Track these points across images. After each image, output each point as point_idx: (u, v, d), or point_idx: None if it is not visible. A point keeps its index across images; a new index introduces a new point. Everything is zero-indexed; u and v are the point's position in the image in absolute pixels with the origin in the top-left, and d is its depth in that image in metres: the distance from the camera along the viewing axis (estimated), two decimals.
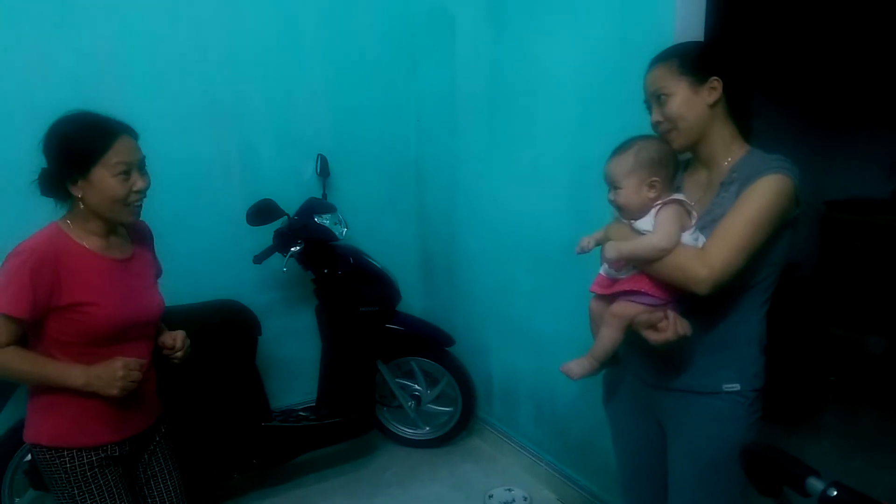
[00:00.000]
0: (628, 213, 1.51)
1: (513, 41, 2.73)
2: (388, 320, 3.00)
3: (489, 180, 3.00)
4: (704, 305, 1.43)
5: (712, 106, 1.50)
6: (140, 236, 1.82)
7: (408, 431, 3.28)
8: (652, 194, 1.48)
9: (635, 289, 1.47)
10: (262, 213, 2.72)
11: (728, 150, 1.52)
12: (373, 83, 3.33)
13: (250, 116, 3.02)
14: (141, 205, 1.66)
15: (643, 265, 1.45)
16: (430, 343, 3.10)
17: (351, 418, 2.94)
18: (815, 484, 1.18)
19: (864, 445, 3.27)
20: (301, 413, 2.95)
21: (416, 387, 3.20)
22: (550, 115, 2.59)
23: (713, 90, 1.49)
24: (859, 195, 4.27)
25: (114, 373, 1.56)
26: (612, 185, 1.51)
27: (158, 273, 1.90)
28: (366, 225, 3.25)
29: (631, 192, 1.48)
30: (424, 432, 3.27)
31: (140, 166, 1.64)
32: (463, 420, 3.19)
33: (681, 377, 1.56)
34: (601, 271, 1.58)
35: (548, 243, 2.68)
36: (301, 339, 3.19)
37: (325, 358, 3.03)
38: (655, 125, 1.55)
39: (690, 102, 1.49)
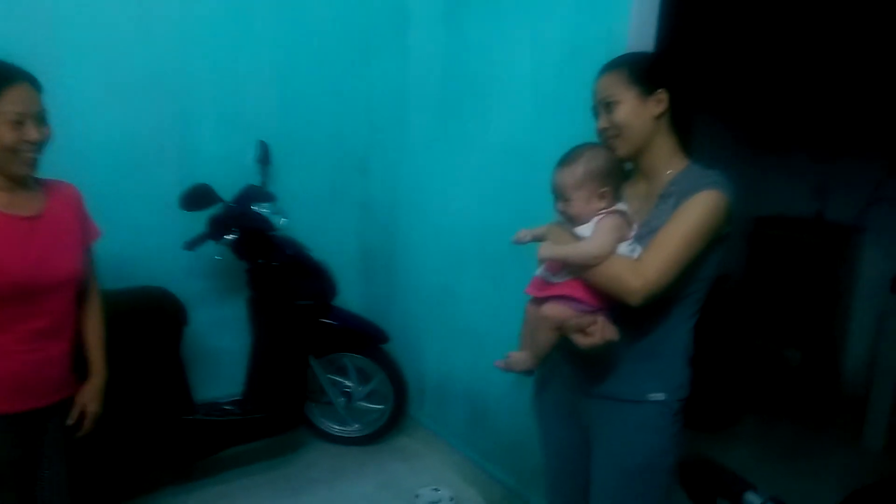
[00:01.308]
0: (576, 222, 1.51)
1: (467, 40, 2.71)
2: (323, 315, 2.94)
3: (437, 178, 2.97)
4: (634, 315, 1.44)
5: (657, 117, 1.52)
6: (61, 197, 1.74)
7: (336, 428, 3.23)
8: (601, 204, 1.48)
9: (568, 294, 1.48)
10: (197, 197, 2.62)
11: (668, 162, 1.55)
12: (323, 71, 3.26)
13: (192, 94, 2.91)
14: (35, 157, 1.59)
15: (577, 271, 1.45)
16: (365, 339, 3.06)
17: (279, 414, 2.86)
18: (753, 499, 1.20)
19: (780, 454, 3.41)
20: (226, 407, 2.85)
21: (348, 383, 3.15)
22: (502, 117, 2.58)
23: (660, 102, 1.51)
24: (786, 213, 4.45)
25: None
26: (561, 196, 1.50)
27: (92, 236, 1.84)
28: (306, 216, 3.17)
29: (581, 202, 1.48)
30: (353, 430, 3.23)
31: (37, 118, 1.57)
32: (393, 418, 3.16)
33: (607, 384, 1.57)
34: (537, 274, 1.58)
35: (492, 244, 2.67)
36: (230, 331, 3.08)
37: (255, 351, 2.94)
38: (602, 131, 1.56)
39: (637, 112, 1.51)
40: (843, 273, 4.11)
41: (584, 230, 1.48)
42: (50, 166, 2.52)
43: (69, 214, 1.75)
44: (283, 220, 2.84)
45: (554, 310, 1.49)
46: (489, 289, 2.72)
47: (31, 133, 1.54)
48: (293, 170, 3.23)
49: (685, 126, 1.58)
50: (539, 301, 1.57)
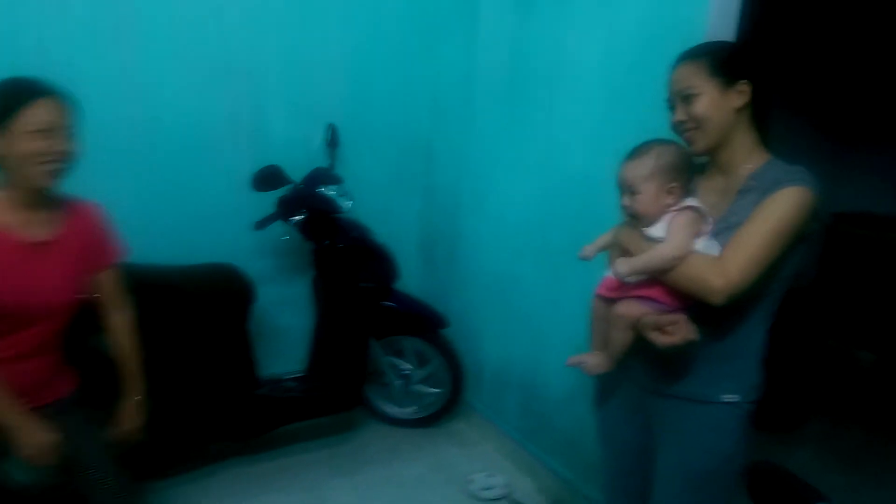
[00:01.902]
0: (643, 220, 1.48)
1: (537, 27, 2.67)
2: (385, 297, 2.98)
3: (501, 166, 2.95)
4: (712, 314, 1.40)
5: (738, 110, 1.47)
6: (81, 220, 1.75)
7: (393, 410, 3.27)
8: (669, 200, 1.45)
9: (647, 295, 1.45)
10: (267, 178, 2.69)
11: (748, 156, 1.49)
12: (391, 57, 3.28)
13: (264, 80, 2.98)
14: (58, 169, 1.60)
15: (657, 274, 1.42)
16: (425, 323, 3.09)
17: (338, 393, 2.92)
18: None
19: (848, 459, 3.28)
20: (289, 383, 2.93)
21: (407, 366, 3.18)
22: (570, 107, 2.53)
23: (741, 94, 1.46)
24: (866, 209, 4.24)
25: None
26: (628, 190, 1.48)
27: (107, 261, 1.83)
28: (370, 200, 3.19)
29: (649, 198, 1.45)
30: (410, 412, 3.27)
31: (64, 131, 1.59)
32: (450, 403, 3.19)
33: (681, 384, 1.54)
34: (609, 273, 1.55)
35: (554, 236, 2.65)
36: (295, 309, 3.17)
37: (318, 330, 3.01)
38: (678, 124, 1.51)
39: (718, 104, 1.46)
40: None
41: (656, 230, 1.45)
42: (132, 146, 2.65)
43: (84, 239, 1.75)
44: (349, 203, 2.89)
45: (631, 308, 1.47)
46: (549, 279, 2.70)
47: (59, 144, 1.56)
48: (359, 154, 3.26)
49: (765, 119, 1.53)
50: (609, 300, 1.55)
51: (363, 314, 2.93)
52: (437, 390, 3.21)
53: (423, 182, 3.54)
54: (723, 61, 1.46)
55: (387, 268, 2.99)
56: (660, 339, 1.38)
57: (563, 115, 2.58)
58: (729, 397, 1.51)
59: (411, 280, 3.27)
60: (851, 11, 3.78)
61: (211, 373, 2.63)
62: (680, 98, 1.49)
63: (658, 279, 1.42)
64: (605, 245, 1.61)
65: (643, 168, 1.45)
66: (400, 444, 3.13)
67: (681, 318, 1.38)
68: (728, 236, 1.40)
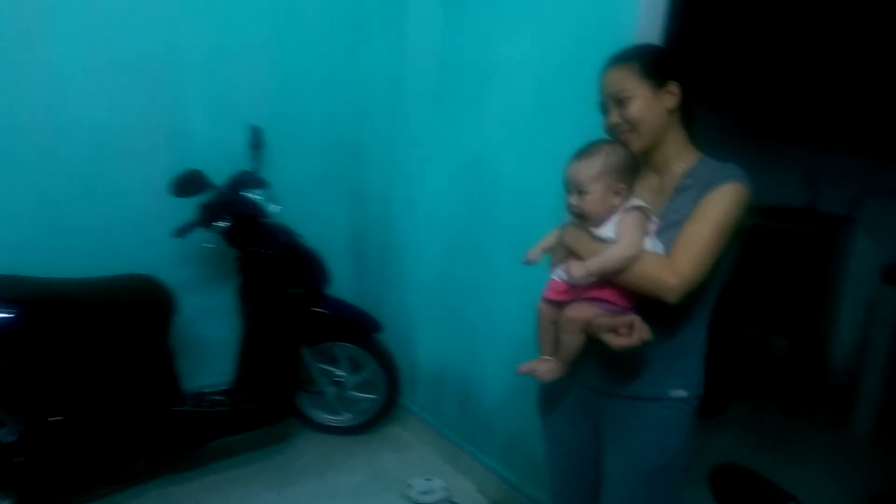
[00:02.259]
0: (590, 220, 1.47)
1: (467, 25, 2.65)
2: (315, 303, 2.89)
3: (433, 167, 2.91)
4: (660, 313, 1.41)
5: (670, 111, 1.50)
6: None
7: (327, 418, 3.19)
8: (616, 201, 1.45)
9: (599, 297, 1.44)
10: (188, 183, 2.55)
11: (680, 155, 1.52)
12: (317, 54, 3.20)
13: (182, 77, 2.83)
14: None
15: (610, 275, 1.41)
16: (358, 329, 3.02)
17: (269, 404, 2.82)
18: None
19: (768, 440, 3.46)
20: (215, 397, 2.79)
21: (339, 372, 3.10)
22: (502, 107, 2.52)
23: (672, 95, 1.49)
24: (778, 203, 4.45)
25: None
26: (577, 190, 1.46)
27: None
28: (297, 203, 3.09)
29: (597, 198, 1.44)
30: (344, 419, 3.19)
31: None
32: (385, 408, 3.13)
33: (632, 384, 1.54)
34: (555, 276, 1.53)
35: (488, 237, 2.63)
36: (219, 319, 3.04)
37: (245, 340, 2.89)
38: (613, 127, 1.52)
39: (651, 106, 1.47)
40: (833, 263, 4.13)
41: (606, 231, 1.44)
42: (34, 150, 2.46)
43: None
44: (275, 208, 2.78)
45: (582, 311, 1.45)
46: (484, 280, 2.68)
47: None
48: (285, 155, 3.16)
49: (692, 118, 1.56)
50: (557, 304, 1.53)
51: (293, 322, 2.84)
52: (371, 396, 3.14)
53: (351, 184, 3.46)
54: (653, 63, 1.48)
55: (317, 273, 2.91)
56: (615, 341, 1.37)
57: (495, 115, 2.56)
58: (677, 393, 1.53)
59: (343, 285, 3.20)
60: (765, 11, 3.95)
61: (130, 390, 2.48)
62: (613, 101, 1.50)
63: (609, 280, 1.42)
64: (549, 247, 1.60)
65: (592, 168, 1.44)
66: (335, 452, 3.05)
67: (635, 318, 1.37)
68: (670, 234, 1.42)
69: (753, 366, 4.15)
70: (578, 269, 1.40)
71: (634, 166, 1.49)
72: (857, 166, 4.05)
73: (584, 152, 1.47)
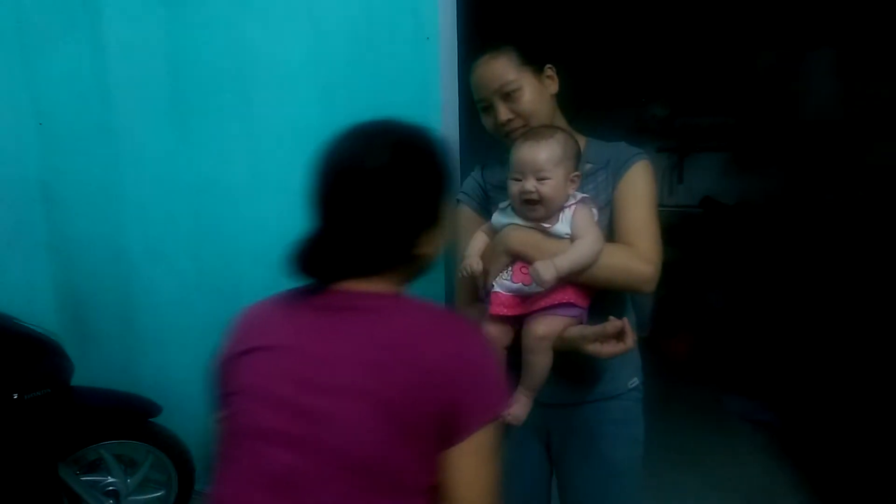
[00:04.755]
0: (543, 210, 1.31)
1: (204, 20, 2.21)
2: (65, 403, 2.15)
3: (180, 198, 2.39)
4: (609, 306, 1.34)
5: (553, 95, 1.45)
6: None
7: None
8: (570, 190, 1.33)
9: (564, 301, 1.30)
10: None
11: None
12: None
13: None
14: None
15: (576, 274, 1.28)
16: (129, 418, 2.34)
17: None
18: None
19: None
20: None
21: (110, 479, 2.37)
22: (275, 111, 2.18)
23: (550, 79, 1.45)
24: None
25: None
26: (534, 174, 1.29)
27: None
28: None
29: (559, 183, 1.30)
30: None
31: None
32: (181, 501, 2.50)
33: (596, 387, 1.48)
34: (499, 289, 1.35)
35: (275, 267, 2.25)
36: None
37: None
38: (504, 124, 1.41)
39: (540, 93, 1.41)
40: None
41: (561, 227, 1.30)
42: None
43: None
44: None
45: (552, 324, 1.31)
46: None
47: None
48: None
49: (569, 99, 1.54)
50: (507, 320, 1.35)
51: (40, 435, 2.06)
52: (158, 493, 2.47)
53: (44, 236, 2.63)
54: (528, 50, 1.41)
55: (57, 363, 2.16)
56: (605, 350, 1.25)
57: (262, 120, 2.21)
58: (632, 383, 1.52)
59: (81, 369, 2.43)
60: None
61: None
62: (499, 96, 1.40)
63: (569, 281, 1.29)
64: (486, 253, 1.39)
65: (552, 151, 1.29)
66: None
67: (626, 322, 1.25)
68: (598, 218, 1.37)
69: None
70: (547, 271, 1.23)
71: (579, 154, 1.38)
72: None
73: (535, 136, 1.32)
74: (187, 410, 2.53)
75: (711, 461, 3.12)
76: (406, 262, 1.03)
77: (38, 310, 2.51)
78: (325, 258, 0.99)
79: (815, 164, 4.43)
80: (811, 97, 4.54)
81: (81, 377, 2.32)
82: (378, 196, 0.96)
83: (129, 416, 2.35)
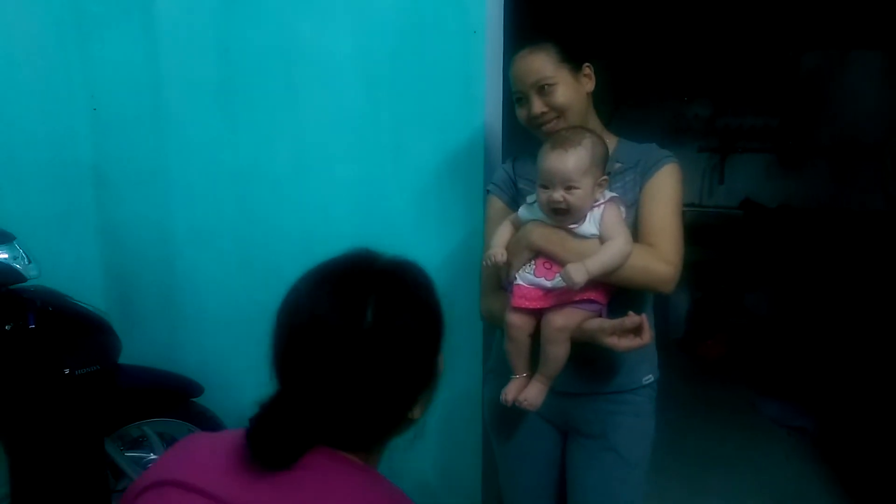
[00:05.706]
0: (571, 217, 1.35)
1: (250, 8, 2.25)
2: (112, 380, 2.22)
3: (226, 183, 2.45)
4: (627, 302, 1.38)
5: (589, 94, 1.49)
6: None
7: None
8: (597, 195, 1.36)
9: (585, 297, 1.34)
10: None
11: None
12: (26, 63, 2.44)
13: None
14: None
15: (605, 276, 1.31)
16: (172, 398, 2.41)
17: None
18: None
19: None
20: None
21: (152, 455, 2.46)
22: (321, 102, 2.21)
23: (587, 77, 1.48)
24: None
25: None
26: (563, 185, 1.32)
27: None
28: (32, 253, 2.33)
29: (587, 192, 1.34)
30: None
31: None
32: None
33: (613, 379, 1.51)
34: (522, 282, 1.38)
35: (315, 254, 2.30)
36: None
37: (16, 451, 2.09)
38: (537, 116, 1.45)
39: (575, 90, 1.45)
40: None
41: (588, 228, 1.34)
42: None
43: None
44: (33, 269, 2.05)
45: (571, 316, 1.35)
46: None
47: None
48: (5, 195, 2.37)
49: (604, 100, 1.57)
50: (530, 312, 1.39)
51: (88, 410, 2.14)
52: None
53: (95, 219, 2.72)
54: (567, 47, 1.45)
55: (106, 341, 2.24)
56: (622, 344, 1.29)
57: (311, 111, 2.25)
58: (647, 379, 1.55)
59: (129, 348, 2.51)
60: None
61: None
62: (535, 90, 1.44)
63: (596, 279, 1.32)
64: (511, 246, 1.44)
65: (581, 160, 1.32)
66: None
67: (644, 318, 1.29)
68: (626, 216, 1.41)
69: None
70: (578, 273, 1.26)
71: (607, 155, 1.41)
72: None
73: (563, 143, 1.34)
74: (227, 391, 2.61)
75: (744, 465, 3.10)
76: (394, 434, 0.88)
77: (86, 290, 2.58)
78: (290, 435, 0.79)
79: (861, 169, 4.35)
80: (857, 99, 4.48)
81: (127, 356, 2.40)
82: (362, 362, 0.78)
83: (172, 396, 2.43)
